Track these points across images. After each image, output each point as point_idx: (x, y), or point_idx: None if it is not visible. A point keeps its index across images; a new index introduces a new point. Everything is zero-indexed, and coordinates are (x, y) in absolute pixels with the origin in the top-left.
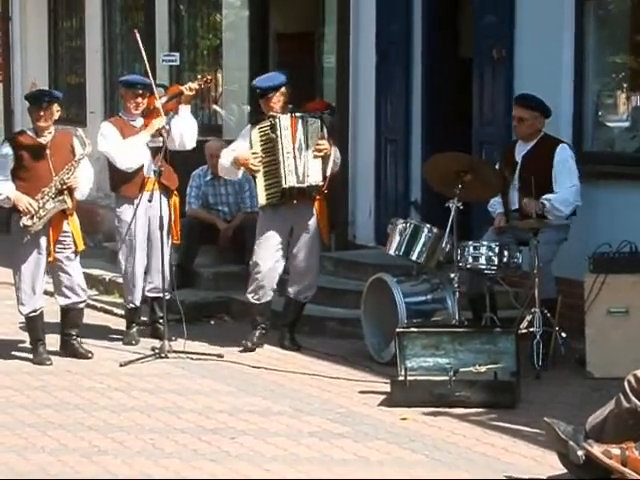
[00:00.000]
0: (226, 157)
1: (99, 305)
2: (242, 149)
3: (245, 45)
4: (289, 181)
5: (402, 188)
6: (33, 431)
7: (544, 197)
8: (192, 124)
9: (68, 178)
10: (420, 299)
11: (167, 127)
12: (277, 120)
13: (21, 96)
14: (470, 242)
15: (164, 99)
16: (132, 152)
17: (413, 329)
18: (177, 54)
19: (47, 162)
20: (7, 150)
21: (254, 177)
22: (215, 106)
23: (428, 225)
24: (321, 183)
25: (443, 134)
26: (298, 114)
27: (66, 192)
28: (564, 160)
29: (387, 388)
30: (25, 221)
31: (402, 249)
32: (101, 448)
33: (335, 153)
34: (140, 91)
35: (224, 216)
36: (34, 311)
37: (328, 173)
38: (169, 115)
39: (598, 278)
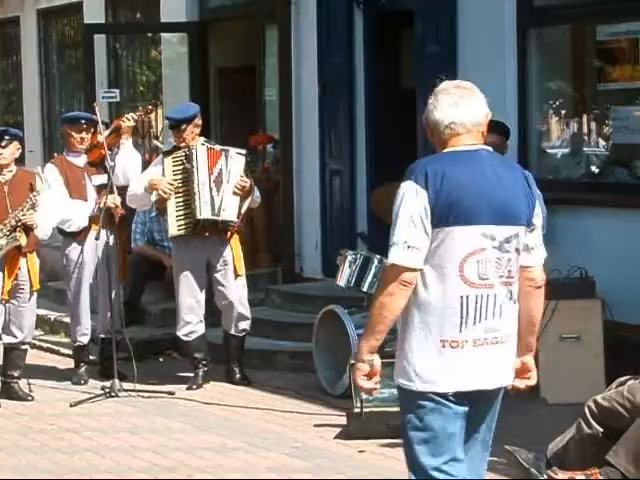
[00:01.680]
0: (137, 184)
1: (45, 345)
2: (154, 177)
3: (185, 80)
4: (204, 212)
5: (348, 220)
6: None
7: None
8: (135, 157)
9: (24, 215)
10: None
11: (112, 164)
12: (193, 151)
13: None
14: None
15: (106, 133)
16: (71, 216)
17: None
18: (117, 91)
19: (4, 200)
20: None
21: (162, 210)
22: (156, 141)
23: (378, 256)
24: (236, 220)
25: (388, 164)
26: (219, 147)
27: (19, 230)
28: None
29: (343, 421)
30: None
31: (353, 280)
32: None
33: (255, 192)
34: (84, 126)
35: (170, 252)
36: None
37: (244, 210)
38: (113, 151)
39: (549, 304)
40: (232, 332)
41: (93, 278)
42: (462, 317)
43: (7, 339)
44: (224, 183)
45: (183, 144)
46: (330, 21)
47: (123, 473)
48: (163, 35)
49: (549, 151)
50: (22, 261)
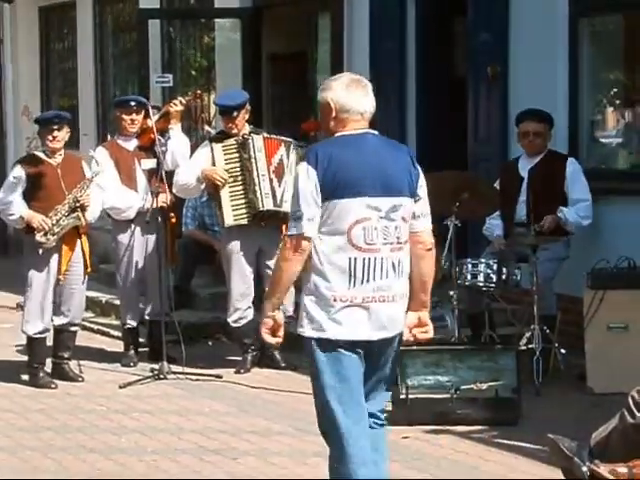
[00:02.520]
0: (186, 174)
1: (96, 327)
2: (205, 166)
3: (238, 66)
4: (266, 204)
5: None
6: (34, 454)
7: (563, 210)
8: (184, 142)
9: (81, 196)
10: None
11: (164, 149)
12: (249, 140)
13: (13, 119)
14: (468, 259)
15: (156, 117)
16: (122, 206)
17: (414, 347)
18: (170, 76)
19: (59, 182)
20: (19, 173)
21: (213, 195)
22: (208, 127)
23: None
24: None
25: (439, 152)
26: (276, 137)
27: (79, 210)
28: (576, 173)
29: (388, 407)
30: (39, 237)
31: None
32: (103, 470)
33: None
34: (134, 108)
35: (220, 237)
36: (40, 332)
37: None
38: (165, 136)
39: (597, 294)
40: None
41: (143, 261)
42: (350, 277)
43: (58, 320)
44: (286, 175)
45: (234, 131)
46: (382, 8)
47: (169, 454)
48: (217, 21)
49: (602, 140)
50: (77, 242)
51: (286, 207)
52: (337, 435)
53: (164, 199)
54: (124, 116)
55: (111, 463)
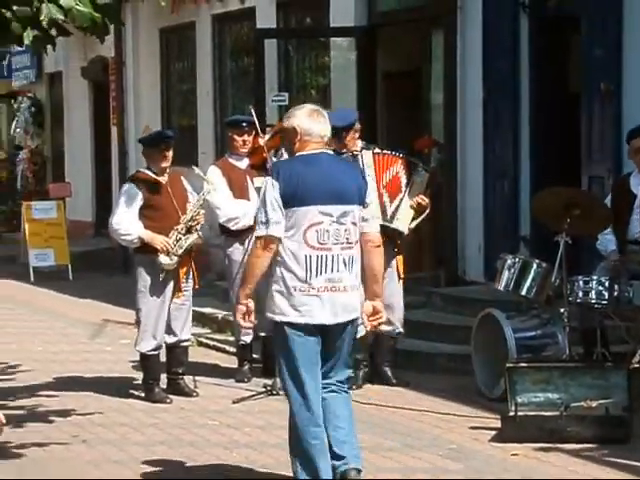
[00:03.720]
0: None
1: (212, 343)
2: None
3: (353, 85)
4: None
5: (511, 223)
6: (147, 467)
7: None
8: None
9: (197, 214)
10: (530, 334)
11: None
12: (359, 157)
13: (134, 139)
14: (580, 276)
15: (267, 137)
16: (239, 214)
17: (523, 364)
18: (286, 94)
19: (171, 201)
20: (134, 190)
21: None
22: None
23: (537, 260)
24: (406, 232)
25: (551, 169)
26: (394, 153)
27: (194, 229)
28: None
29: (498, 424)
30: (163, 259)
31: (511, 284)
32: None
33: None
34: (246, 129)
35: None
36: (153, 350)
37: (413, 226)
38: (278, 155)
39: None
40: (390, 333)
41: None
42: (307, 271)
43: (170, 339)
44: (402, 193)
45: (344, 150)
46: (496, 25)
47: (279, 469)
48: (332, 39)
49: None
50: (189, 261)
51: (397, 224)
52: (295, 397)
53: None
54: (235, 137)
55: (222, 477)
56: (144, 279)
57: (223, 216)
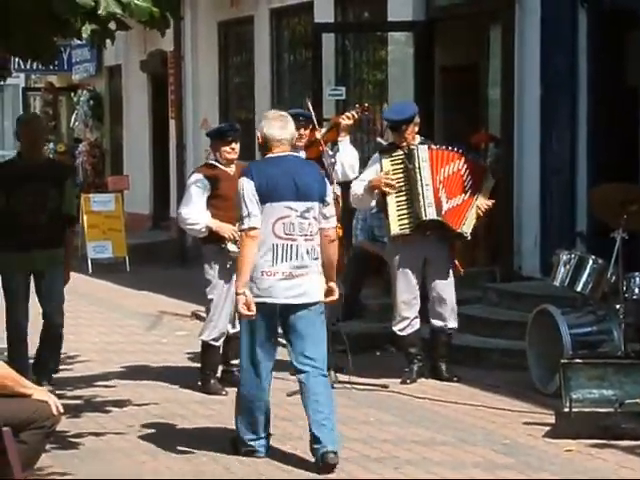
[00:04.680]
0: (358, 185)
1: None
2: (373, 177)
3: (410, 79)
4: (429, 214)
5: (568, 219)
6: (203, 458)
7: None
8: (353, 154)
9: None
10: (585, 330)
11: (332, 160)
12: (414, 151)
13: (192, 132)
14: (636, 273)
15: (324, 131)
16: None
17: (578, 360)
18: (343, 88)
19: None
20: (203, 181)
21: (381, 206)
22: (380, 139)
23: (593, 256)
24: (468, 236)
25: (609, 164)
26: (450, 148)
27: None
28: None
29: (552, 420)
30: (230, 247)
31: (567, 280)
32: (267, 475)
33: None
34: (302, 123)
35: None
36: (217, 339)
37: (472, 224)
38: (334, 148)
39: None
40: (442, 329)
41: None
42: (274, 257)
43: (231, 328)
44: (467, 195)
45: (403, 143)
46: (554, 21)
47: None
48: (390, 34)
49: None
50: None
51: (464, 229)
52: (247, 366)
53: (332, 189)
54: (296, 130)
55: (273, 468)
56: (213, 269)
57: None
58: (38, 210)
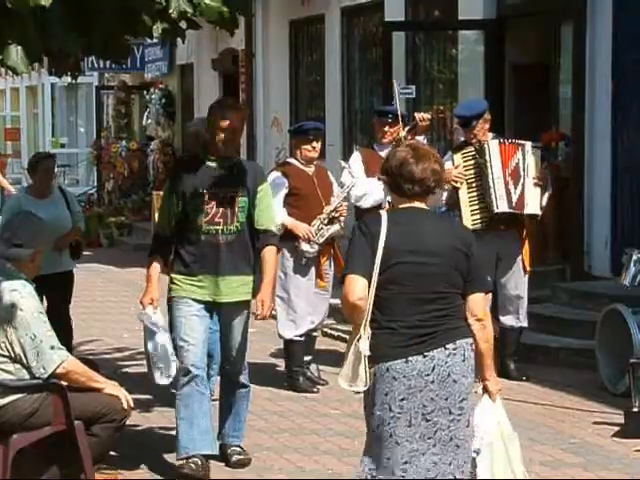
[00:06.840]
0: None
1: (336, 334)
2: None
3: (481, 78)
4: (500, 206)
5: (638, 218)
6: (270, 454)
7: None
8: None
9: (340, 206)
10: None
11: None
12: (485, 145)
13: (263, 130)
14: None
15: (407, 129)
16: (370, 190)
17: None
18: (413, 87)
19: (316, 191)
20: (281, 178)
21: (452, 205)
22: (452, 137)
23: None
24: (539, 212)
25: None
26: (511, 141)
27: (336, 220)
28: None
29: (621, 419)
30: (304, 246)
31: (637, 280)
32: (335, 471)
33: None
34: (389, 120)
35: None
36: (299, 335)
37: (544, 203)
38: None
39: None
40: (512, 327)
41: None
42: None
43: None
44: (523, 177)
45: (474, 140)
46: (626, 19)
47: None
48: (461, 32)
49: None
50: (331, 250)
51: (528, 209)
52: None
53: None
54: (382, 127)
55: (343, 464)
56: (287, 266)
57: (358, 193)
58: None
